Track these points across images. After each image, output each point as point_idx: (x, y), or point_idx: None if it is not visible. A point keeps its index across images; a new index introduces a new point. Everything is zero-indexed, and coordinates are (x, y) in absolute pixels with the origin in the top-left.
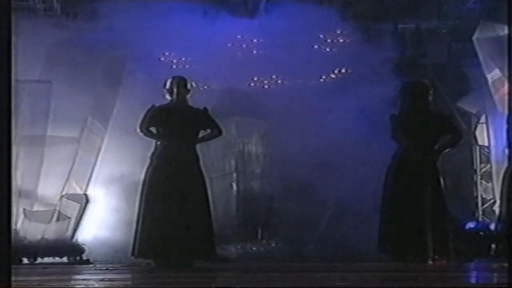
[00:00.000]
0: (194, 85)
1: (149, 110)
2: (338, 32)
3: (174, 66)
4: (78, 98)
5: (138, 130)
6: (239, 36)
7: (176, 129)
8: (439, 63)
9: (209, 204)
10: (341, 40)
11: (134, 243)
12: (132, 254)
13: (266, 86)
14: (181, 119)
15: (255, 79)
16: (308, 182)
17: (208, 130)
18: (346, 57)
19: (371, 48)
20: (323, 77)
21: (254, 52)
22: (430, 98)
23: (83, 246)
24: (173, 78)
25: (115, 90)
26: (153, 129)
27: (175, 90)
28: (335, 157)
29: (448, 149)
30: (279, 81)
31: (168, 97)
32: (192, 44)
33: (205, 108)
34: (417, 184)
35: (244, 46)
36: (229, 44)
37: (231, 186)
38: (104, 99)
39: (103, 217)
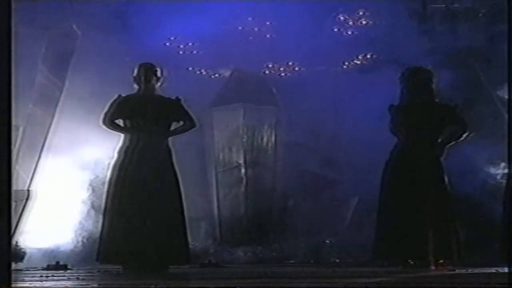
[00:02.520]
0: (164, 73)
1: (114, 100)
2: (361, 13)
3: (180, 52)
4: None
5: (101, 123)
6: (250, 19)
7: (146, 122)
8: (475, 48)
9: (183, 204)
10: (364, 22)
11: (99, 247)
12: (97, 259)
13: (282, 74)
14: (151, 111)
15: (270, 66)
16: (326, 178)
17: (181, 123)
18: (371, 42)
19: (399, 31)
20: (346, 63)
21: (268, 36)
22: (433, 86)
23: (23, 250)
24: (141, 65)
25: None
26: (119, 122)
27: (142, 78)
28: (358, 150)
29: (452, 143)
30: (296, 68)
31: (135, 86)
32: (200, 28)
33: (177, 97)
34: (418, 181)
35: (256, 29)
36: (239, 28)
37: (239, 181)
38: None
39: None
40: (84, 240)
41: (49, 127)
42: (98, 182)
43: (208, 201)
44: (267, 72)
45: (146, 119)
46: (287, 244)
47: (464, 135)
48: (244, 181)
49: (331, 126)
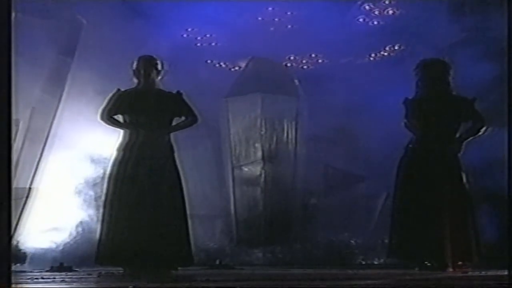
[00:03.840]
0: (165, 66)
1: (113, 95)
2: (387, 2)
3: (198, 44)
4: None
5: (99, 118)
6: (270, 8)
7: (146, 117)
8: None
9: (185, 203)
10: (391, 12)
11: (98, 248)
12: (96, 260)
13: (304, 66)
14: (152, 105)
15: (291, 58)
16: (351, 174)
17: (183, 117)
18: (398, 32)
19: (428, 20)
20: (372, 55)
21: (289, 27)
22: (450, 79)
23: (24, 251)
24: (140, 57)
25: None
26: (118, 118)
27: (142, 71)
28: (385, 145)
29: (469, 138)
30: (319, 60)
31: (135, 80)
32: (218, 18)
33: (178, 91)
34: (435, 179)
35: (276, 20)
36: (259, 18)
37: (257, 177)
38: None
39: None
40: (90, 240)
41: (52, 122)
42: (104, 180)
43: (223, 199)
44: (289, 64)
45: (146, 114)
46: (309, 245)
47: (482, 130)
48: (263, 177)
49: (356, 119)
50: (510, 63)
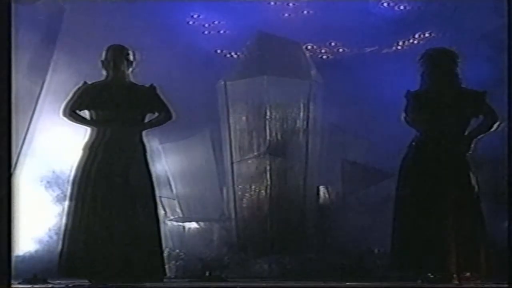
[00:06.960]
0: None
1: (78, 88)
2: None
3: (206, 32)
4: None
5: (62, 114)
6: None
7: (115, 113)
8: None
9: (157, 208)
10: None
11: (60, 259)
12: (59, 272)
13: (324, 56)
14: (121, 100)
15: (309, 47)
16: (373, 170)
17: (156, 114)
18: (428, 18)
19: (460, 4)
20: (400, 43)
21: (305, 12)
22: (458, 70)
23: None
24: (109, 47)
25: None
26: (84, 113)
27: (111, 63)
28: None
29: (480, 135)
30: (340, 50)
31: (103, 72)
32: (227, 4)
33: (152, 85)
34: (440, 182)
35: (291, 5)
36: (271, 3)
37: (261, 174)
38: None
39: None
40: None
41: (31, 118)
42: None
43: (222, 199)
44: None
45: (114, 109)
46: (323, 254)
47: (495, 126)
48: (268, 174)
49: (380, 109)
50: (510, 62)
